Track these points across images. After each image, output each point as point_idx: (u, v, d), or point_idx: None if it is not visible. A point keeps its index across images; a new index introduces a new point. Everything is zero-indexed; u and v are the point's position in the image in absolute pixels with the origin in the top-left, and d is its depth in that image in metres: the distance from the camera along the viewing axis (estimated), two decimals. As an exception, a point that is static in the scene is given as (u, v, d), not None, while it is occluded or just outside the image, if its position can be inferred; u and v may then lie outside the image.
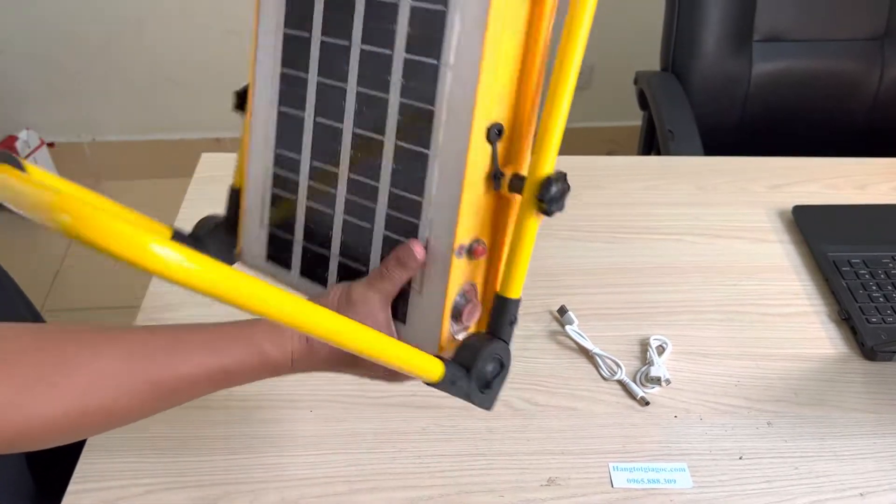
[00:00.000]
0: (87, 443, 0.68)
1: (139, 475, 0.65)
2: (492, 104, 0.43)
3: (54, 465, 0.75)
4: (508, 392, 0.73)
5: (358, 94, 0.48)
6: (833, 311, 0.82)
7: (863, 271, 0.84)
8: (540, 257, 0.87)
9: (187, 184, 0.96)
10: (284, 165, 0.53)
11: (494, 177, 0.45)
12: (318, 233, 0.53)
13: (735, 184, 0.99)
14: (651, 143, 1.32)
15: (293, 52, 0.50)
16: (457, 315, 0.48)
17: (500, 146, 0.44)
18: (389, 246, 0.49)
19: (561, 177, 0.43)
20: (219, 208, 1.03)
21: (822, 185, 0.99)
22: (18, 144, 1.96)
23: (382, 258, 0.50)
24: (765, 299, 0.83)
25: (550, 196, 0.42)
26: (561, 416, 0.71)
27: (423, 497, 0.64)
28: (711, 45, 1.25)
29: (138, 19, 1.94)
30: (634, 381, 0.74)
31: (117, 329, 0.47)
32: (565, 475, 0.66)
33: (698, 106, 1.24)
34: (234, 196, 0.58)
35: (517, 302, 0.46)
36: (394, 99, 0.46)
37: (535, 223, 0.44)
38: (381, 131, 0.47)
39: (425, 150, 0.45)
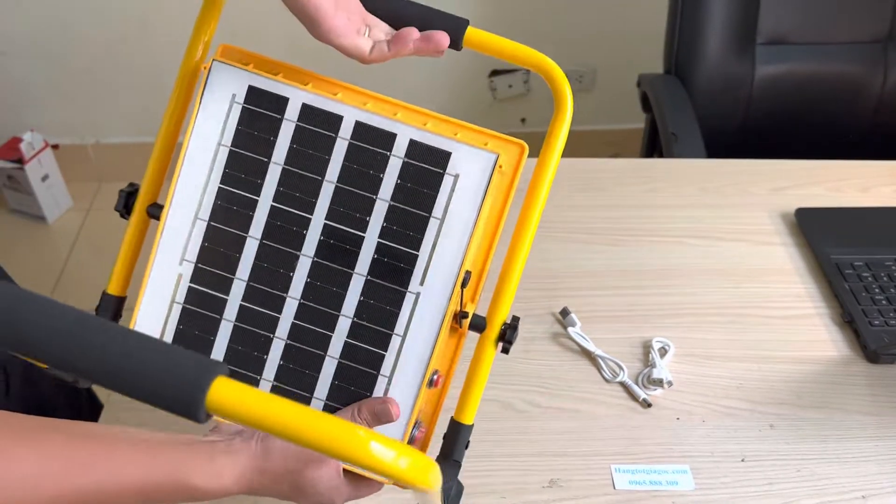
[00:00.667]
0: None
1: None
2: (472, 256, 0.50)
3: None
4: (510, 394, 0.73)
5: (325, 226, 0.51)
6: (836, 313, 0.82)
7: (866, 274, 0.84)
8: (542, 259, 0.87)
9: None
10: (205, 282, 0.52)
11: (459, 316, 0.51)
12: (245, 355, 0.52)
13: (738, 186, 0.99)
14: (654, 146, 1.32)
15: (238, 170, 0.51)
16: (410, 443, 0.51)
17: (467, 292, 0.51)
18: (344, 374, 0.51)
19: (516, 322, 0.51)
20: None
21: (825, 187, 0.99)
22: (23, 146, 1.97)
23: (332, 388, 0.51)
24: (767, 302, 0.83)
25: (508, 338, 0.50)
26: (563, 417, 0.71)
27: (425, 498, 0.64)
28: (714, 48, 1.25)
29: (143, 21, 1.95)
30: (637, 383, 0.74)
31: (40, 432, 0.45)
32: (567, 477, 0.66)
33: (701, 108, 1.24)
34: (109, 303, 0.56)
35: (470, 428, 0.52)
36: (370, 238, 0.50)
37: (492, 357, 0.51)
38: (351, 265, 0.51)
39: (401, 289, 0.50)
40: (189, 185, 0.52)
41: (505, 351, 0.51)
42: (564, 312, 0.80)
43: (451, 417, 0.52)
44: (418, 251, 0.50)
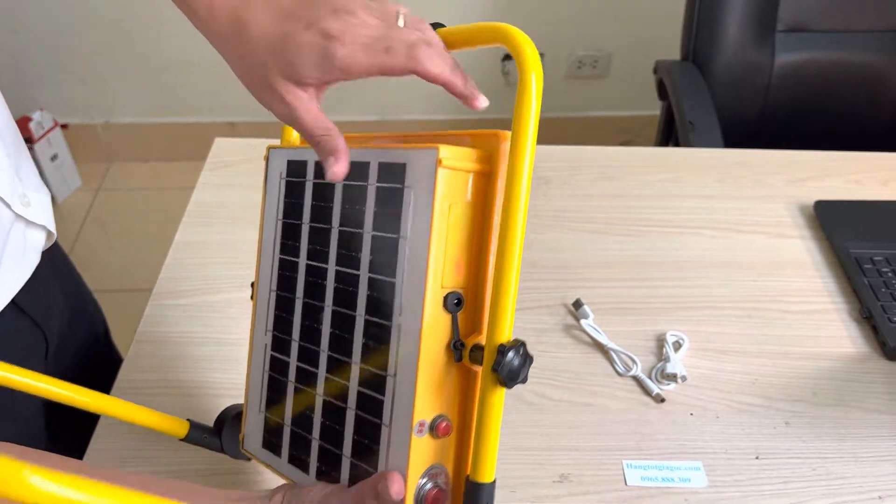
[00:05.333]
0: (96, 429, 0.67)
1: (144, 463, 0.65)
2: (445, 273, 0.43)
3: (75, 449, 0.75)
4: (522, 386, 0.72)
5: (336, 273, 0.50)
6: (854, 309, 0.81)
7: (885, 269, 0.83)
8: (555, 250, 0.86)
9: (200, 167, 0.95)
10: (279, 348, 0.54)
11: (454, 347, 0.43)
12: (302, 416, 0.52)
13: (756, 177, 0.97)
14: (670, 134, 1.30)
15: (288, 238, 0.54)
16: (419, 502, 0.43)
17: (461, 316, 0.43)
18: (360, 426, 0.47)
19: (518, 345, 0.40)
20: (230, 194, 1.02)
21: (844, 179, 0.97)
22: (32, 125, 1.96)
23: (354, 444, 0.47)
24: (784, 296, 0.82)
25: (503, 365, 0.40)
26: (575, 411, 0.70)
27: (433, 491, 0.63)
28: (733, 35, 1.23)
29: (153, 1, 1.93)
30: (650, 378, 0.73)
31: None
32: (578, 472, 0.65)
33: (719, 97, 1.22)
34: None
35: (491, 486, 0.41)
36: (363, 275, 0.47)
37: (500, 396, 0.41)
38: (353, 307, 0.48)
39: (387, 322, 0.45)
40: (265, 262, 0.56)
41: (502, 384, 0.40)
42: (577, 304, 0.79)
43: (466, 476, 0.43)
44: (394, 278, 0.44)
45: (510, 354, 0.40)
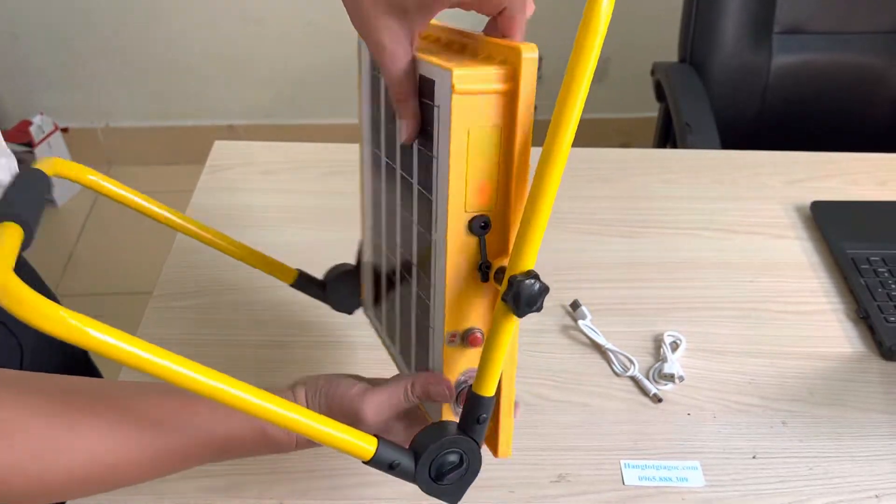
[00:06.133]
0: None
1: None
2: (468, 197, 0.43)
3: None
4: (520, 387, 0.72)
5: (400, 177, 0.51)
6: (851, 309, 0.81)
7: (882, 269, 0.83)
8: (552, 251, 0.86)
9: (199, 171, 0.96)
10: (376, 225, 0.59)
11: (481, 268, 0.44)
12: (390, 293, 0.57)
13: (753, 178, 0.97)
14: (667, 136, 1.30)
15: (373, 131, 0.56)
16: (459, 398, 0.48)
17: (489, 238, 0.44)
18: (418, 324, 0.51)
19: (530, 276, 0.40)
20: (231, 197, 1.03)
21: (841, 180, 0.97)
22: (32, 129, 1.97)
23: (416, 343, 0.51)
24: (781, 296, 0.82)
25: (514, 296, 0.40)
26: (572, 411, 0.70)
27: (432, 491, 0.64)
28: (730, 37, 1.24)
29: (153, 5, 1.94)
30: (647, 378, 0.73)
31: (122, 395, 0.46)
32: (576, 471, 0.66)
33: (716, 98, 1.23)
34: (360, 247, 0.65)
35: (490, 400, 0.44)
36: (414, 185, 0.48)
37: (510, 322, 0.41)
38: (410, 211, 0.49)
39: (428, 235, 0.46)
40: (364, 140, 0.60)
41: (514, 313, 0.41)
42: (575, 305, 0.79)
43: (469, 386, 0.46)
44: (431, 195, 0.45)
45: (522, 285, 0.39)
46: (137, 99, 2.12)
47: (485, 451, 0.49)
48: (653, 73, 1.33)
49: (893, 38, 1.25)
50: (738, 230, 0.90)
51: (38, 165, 0.49)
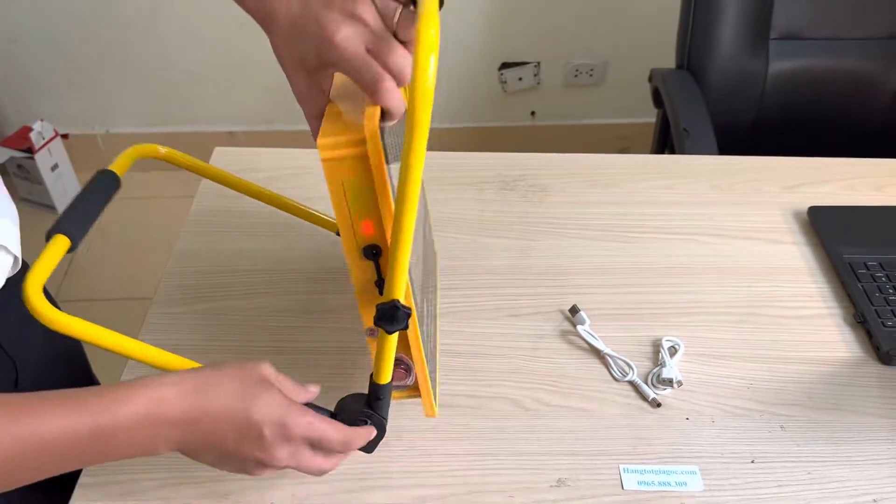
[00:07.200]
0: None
1: (151, 469, 0.65)
2: (357, 231, 0.53)
3: None
4: (519, 392, 0.73)
5: None
6: (848, 313, 0.81)
7: (879, 274, 0.83)
8: (551, 256, 0.87)
9: (199, 177, 0.96)
10: None
11: (377, 284, 0.55)
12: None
13: (750, 184, 0.98)
14: (665, 141, 1.31)
15: None
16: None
17: (383, 260, 0.54)
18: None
19: (395, 304, 0.50)
20: (230, 203, 1.03)
21: (838, 185, 0.98)
22: (33, 135, 1.97)
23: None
24: (779, 301, 0.83)
25: (378, 319, 0.51)
26: (571, 416, 0.71)
27: (432, 496, 0.64)
28: (728, 43, 1.24)
29: (153, 11, 1.95)
30: (646, 383, 0.73)
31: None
32: (575, 476, 0.66)
33: (713, 104, 1.23)
34: None
35: (383, 386, 0.56)
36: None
37: (386, 337, 0.53)
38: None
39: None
40: None
41: (385, 331, 0.52)
42: (574, 310, 0.79)
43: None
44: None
45: (386, 312, 0.51)
46: (137, 105, 2.12)
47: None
48: (650, 79, 1.33)
49: (890, 44, 1.26)
50: (736, 235, 0.91)
51: (117, 161, 0.66)
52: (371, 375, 0.57)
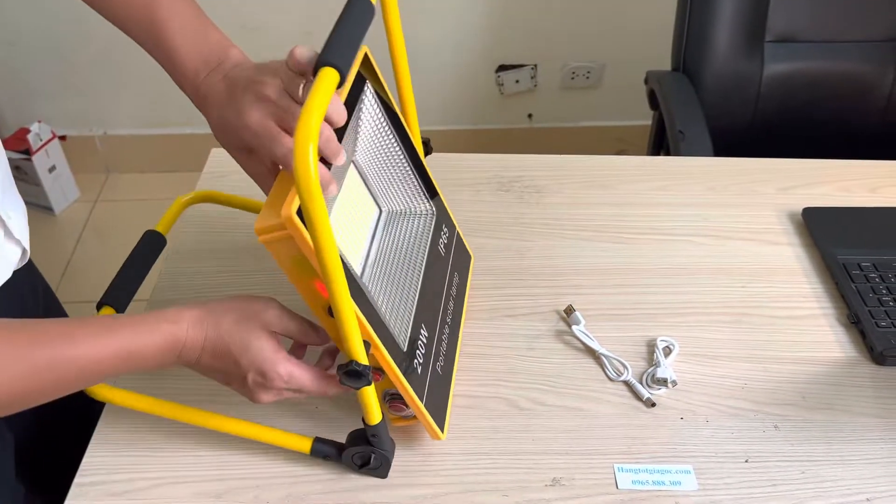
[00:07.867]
0: (94, 436, 0.68)
1: (145, 469, 0.66)
2: (314, 296, 0.58)
3: (44, 456, 0.75)
4: (514, 391, 0.73)
5: None
6: (842, 314, 0.82)
7: (873, 275, 0.84)
8: (547, 257, 0.87)
9: (197, 178, 0.96)
10: None
11: None
12: None
13: (745, 185, 0.98)
14: (661, 143, 1.31)
15: None
16: (387, 402, 0.65)
17: None
18: None
19: (352, 365, 0.54)
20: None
21: (833, 187, 0.98)
22: (30, 137, 1.97)
23: None
24: (773, 302, 0.83)
25: (343, 378, 0.55)
26: (566, 416, 0.71)
27: (427, 495, 0.64)
28: (723, 46, 1.25)
29: (150, 14, 1.95)
30: (641, 383, 0.74)
31: (16, 321, 0.51)
32: (570, 476, 0.66)
33: (709, 106, 1.24)
34: None
35: (375, 426, 0.61)
36: None
37: (359, 389, 0.57)
38: None
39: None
40: None
41: (351, 386, 0.56)
42: (569, 310, 0.80)
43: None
44: None
45: (345, 373, 0.55)
46: (135, 107, 2.12)
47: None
48: (646, 81, 1.34)
49: (885, 47, 1.26)
50: (731, 236, 0.91)
51: None
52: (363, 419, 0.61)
